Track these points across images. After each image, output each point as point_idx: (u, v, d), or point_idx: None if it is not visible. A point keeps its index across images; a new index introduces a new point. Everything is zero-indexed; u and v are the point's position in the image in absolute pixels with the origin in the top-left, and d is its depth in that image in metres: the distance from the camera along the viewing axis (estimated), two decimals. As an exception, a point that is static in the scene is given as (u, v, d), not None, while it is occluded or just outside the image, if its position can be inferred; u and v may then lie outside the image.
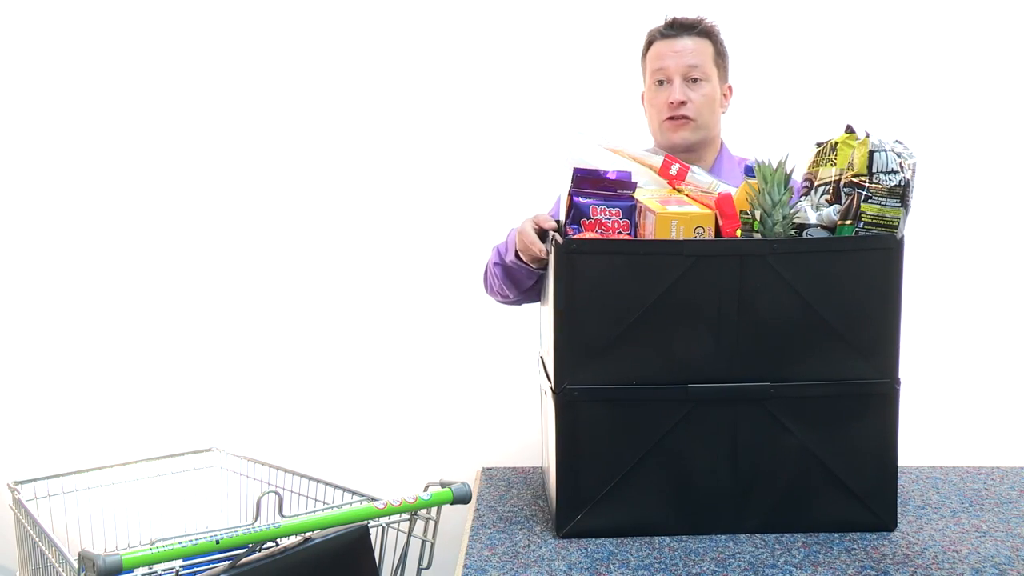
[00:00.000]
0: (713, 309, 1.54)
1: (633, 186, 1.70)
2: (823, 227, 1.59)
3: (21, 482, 1.83)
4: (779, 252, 1.54)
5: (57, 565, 1.57)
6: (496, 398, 2.61)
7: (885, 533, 1.60)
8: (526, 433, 2.26)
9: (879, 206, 1.56)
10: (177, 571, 1.39)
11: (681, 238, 1.59)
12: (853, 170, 1.60)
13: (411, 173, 2.72)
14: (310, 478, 1.87)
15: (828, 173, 1.67)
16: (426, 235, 2.72)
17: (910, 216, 1.59)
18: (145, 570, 1.35)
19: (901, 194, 1.56)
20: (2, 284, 2.80)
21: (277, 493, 1.55)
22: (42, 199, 2.78)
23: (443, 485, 1.63)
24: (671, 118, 2.00)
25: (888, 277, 1.57)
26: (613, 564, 1.49)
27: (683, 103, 1.99)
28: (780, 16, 2.69)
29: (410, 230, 2.73)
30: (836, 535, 1.58)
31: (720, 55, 2.04)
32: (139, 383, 2.71)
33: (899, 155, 1.59)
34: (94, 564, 1.29)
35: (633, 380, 1.56)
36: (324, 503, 1.82)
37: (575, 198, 1.69)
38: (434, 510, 1.64)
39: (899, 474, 1.63)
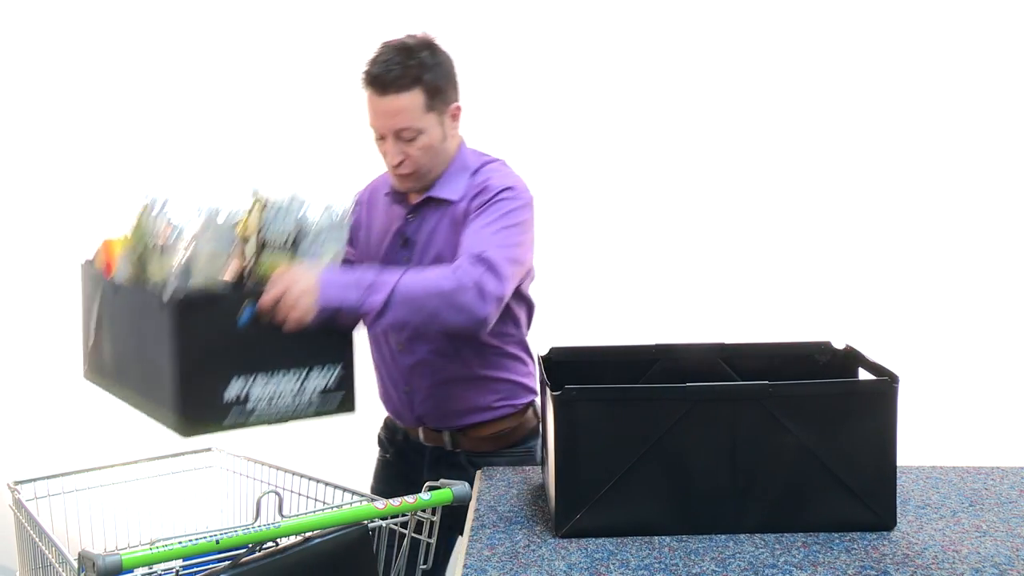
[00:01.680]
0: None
1: None
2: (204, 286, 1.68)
3: (21, 482, 1.83)
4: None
5: (57, 565, 1.57)
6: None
7: (885, 533, 1.60)
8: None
9: (270, 257, 1.72)
10: (177, 571, 1.39)
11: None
12: (247, 229, 1.72)
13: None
14: (310, 478, 1.87)
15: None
16: None
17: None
18: (145, 570, 1.36)
19: (294, 243, 1.73)
20: (1, 285, 2.80)
21: (277, 493, 1.55)
22: (41, 200, 2.79)
23: (442, 485, 1.63)
24: (393, 169, 1.95)
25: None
26: (613, 564, 1.49)
27: (401, 162, 1.92)
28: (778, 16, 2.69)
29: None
30: (836, 535, 1.58)
31: (437, 93, 1.90)
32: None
33: (290, 207, 1.74)
34: (94, 564, 1.29)
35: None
36: (324, 503, 1.82)
37: None
38: (433, 510, 1.64)
39: (899, 474, 1.63)
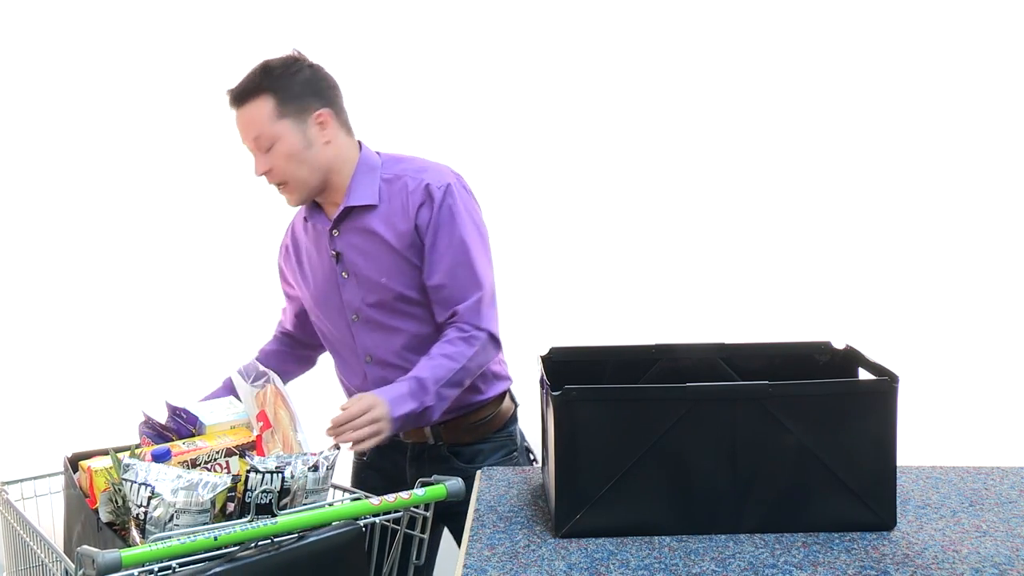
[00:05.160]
0: None
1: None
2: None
3: (8, 483, 1.82)
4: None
5: (50, 564, 1.56)
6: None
7: (885, 533, 1.59)
8: (525, 433, 2.26)
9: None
10: (174, 568, 1.39)
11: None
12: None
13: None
14: None
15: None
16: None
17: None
18: (143, 567, 1.35)
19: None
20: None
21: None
22: (32, 201, 2.78)
23: (436, 481, 1.63)
24: (271, 184, 1.99)
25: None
26: (613, 564, 1.49)
27: (268, 171, 1.96)
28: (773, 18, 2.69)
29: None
30: (836, 535, 1.58)
31: (290, 99, 1.94)
32: (129, 380, 2.71)
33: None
34: (93, 561, 1.29)
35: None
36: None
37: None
38: (427, 506, 1.65)
39: (899, 474, 1.63)
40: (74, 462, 1.73)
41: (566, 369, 1.81)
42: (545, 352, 1.87)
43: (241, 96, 1.95)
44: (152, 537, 1.45)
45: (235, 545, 1.43)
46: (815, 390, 1.59)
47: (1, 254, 2.76)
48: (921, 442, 2.04)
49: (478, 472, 1.94)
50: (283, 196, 2.02)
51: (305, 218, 2.12)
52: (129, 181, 2.79)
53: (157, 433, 1.82)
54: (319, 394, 2.66)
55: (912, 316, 2.64)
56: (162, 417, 1.85)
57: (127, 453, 1.64)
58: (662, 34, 2.41)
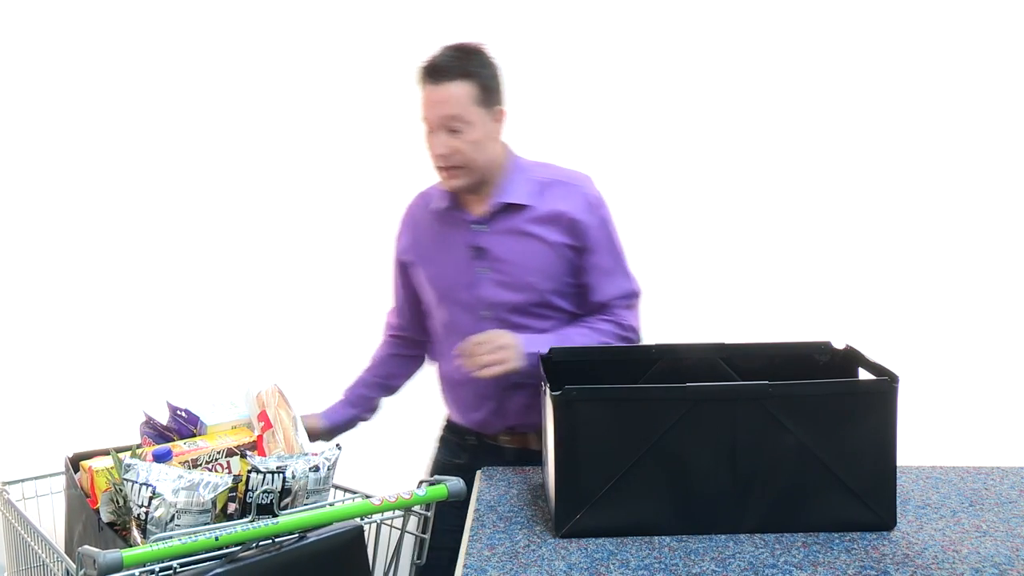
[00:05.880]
0: None
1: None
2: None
3: (9, 483, 1.82)
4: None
5: (51, 564, 1.56)
6: (496, 398, 2.61)
7: (885, 533, 1.60)
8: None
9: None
10: (175, 568, 1.39)
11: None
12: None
13: (411, 172, 2.73)
14: None
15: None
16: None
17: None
18: (144, 568, 1.36)
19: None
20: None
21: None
22: (32, 202, 2.79)
23: (437, 481, 1.63)
24: (441, 168, 1.99)
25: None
26: (613, 564, 1.49)
27: (448, 155, 1.96)
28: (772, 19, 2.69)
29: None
30: (836, 535, 1.58)
31: (486, 90, 1.96)
32: (128, 380, 2.71)
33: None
34: (95, 562, 1.29)
35: None
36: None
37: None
38: (428, 506, 1.65)
39: (899, 474, 1.63)
40: (75, 462, 1.73)
41: (566, 369, 1.81)
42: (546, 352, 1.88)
43: (443, 74, 1.94)
44: (153, 537, 1.45)
45: (236, 545, 1.44)
46: (815, 390, 1.59)
47: (1, 255, 2.77)
48: (921, 442, 2.04)
49: (478, 472, 1.94)
50: (445, 175, 2.00)
51: (437, 209, 2.10)
52: (129, 181, 2.79)
53: (158, 433, 1.82)
54: (319, 394, 2.66)
55: (912, 316, 2.64)
56: (163, 417, 1.85)
57: (128, 453, 1.64)
58: (660, 35, 2.41)
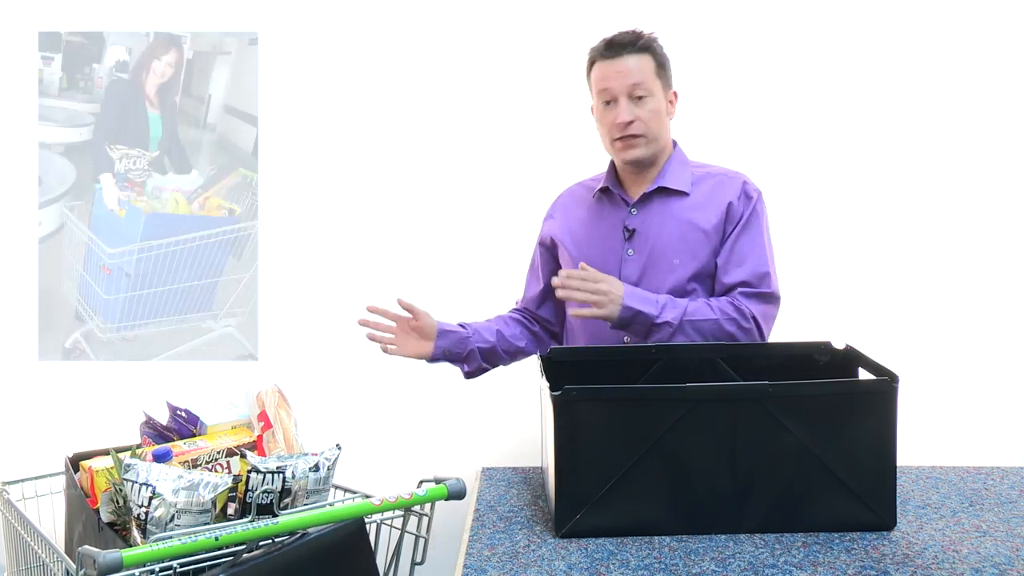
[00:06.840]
0: None
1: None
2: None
3: (9, 483, 1.82)
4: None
5: (51, 564, 1.57)
6: (496, 398, 2.61)
7: (885, 533, 1.60)
8: (525, 433, 2.26)
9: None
10: (175, 568, 1.39)
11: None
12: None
13: (419, 173, 2.73)
14: None
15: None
16: (428, 234, 2.73)
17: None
18: (144, 568, 1.36)
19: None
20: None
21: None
22: (32, 202, 2.78)
23: (437, 481, 1.63)
24: (621, 138, 2.01)
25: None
26: (613, 564, 1.49)
27: (631, 122, 1.99)
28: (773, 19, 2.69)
29: (412, 229, 2.73)
30: (836, 535, 1.58)
31: (661, 66, 2.04)
32: (128, 381, 2.71)
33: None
34: (95, 562, 1.29)
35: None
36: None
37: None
38: (428, 506, 1.65)
39: (899, 474, 1.63)
40: (75, 462, 1.74)
41: (566, 369, 1.81)
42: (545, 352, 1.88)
43: (624, 47, 2.01)
44: (153, 537, 1.45)
45: (236, 545, 1.44)
46: (815, 390, 1.59)
47: (2, 255, 2.77)
48: (921, 442, 2.04)
49: (477, 472, 1.94)
50: (621, 144, 2.02)
51: (596, 191, 2.12)
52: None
53: (158, 433, 1.82)
54: (319, 395, 2.67)
55: (912, 316, 2.65)
56: (163, 417, 1.86)
57: (128, 453, 1.64)
58: (662, 34, 2.41)
